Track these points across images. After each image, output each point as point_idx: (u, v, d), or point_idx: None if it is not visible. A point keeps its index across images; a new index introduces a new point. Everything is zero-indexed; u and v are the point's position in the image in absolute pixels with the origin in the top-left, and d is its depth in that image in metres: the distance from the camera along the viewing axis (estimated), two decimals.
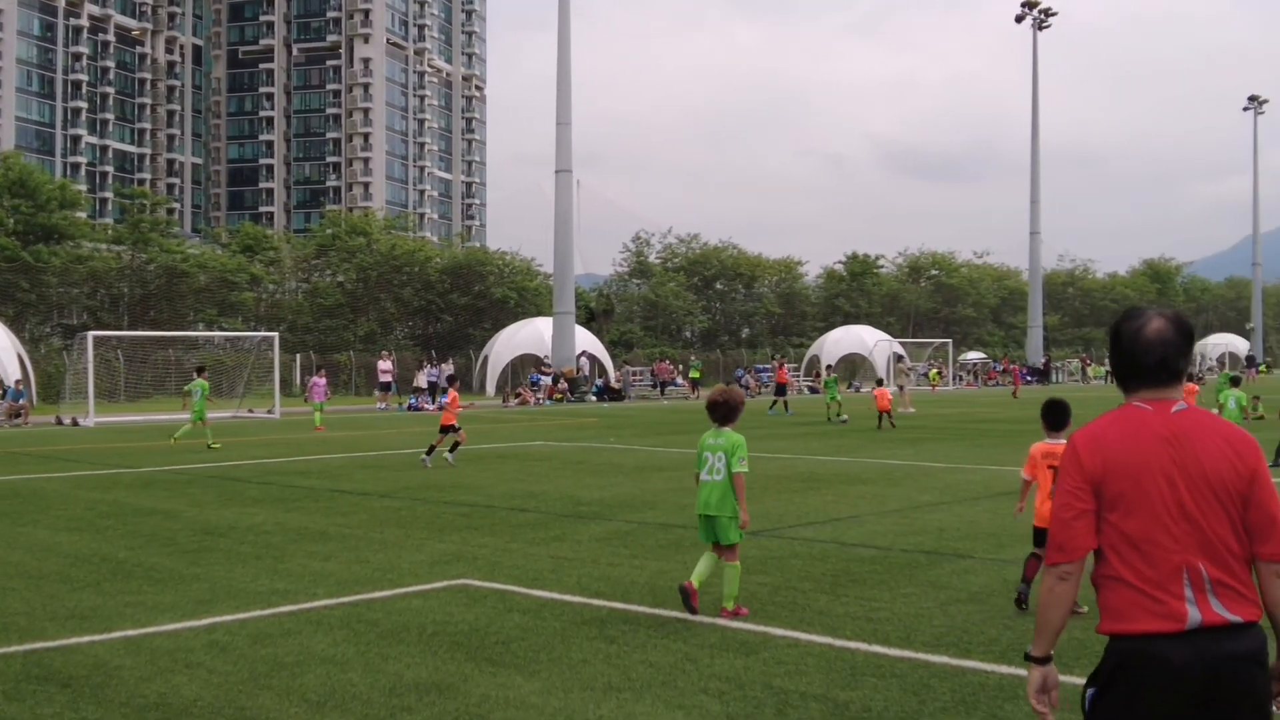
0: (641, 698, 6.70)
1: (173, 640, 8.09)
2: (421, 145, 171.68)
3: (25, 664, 7.47)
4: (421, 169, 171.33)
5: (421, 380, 50.99)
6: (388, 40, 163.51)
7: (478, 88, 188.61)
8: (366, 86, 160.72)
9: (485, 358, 61.71)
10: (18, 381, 39.38)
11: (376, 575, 10.45)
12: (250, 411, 41.43)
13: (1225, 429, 3.56)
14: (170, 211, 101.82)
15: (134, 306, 64.71)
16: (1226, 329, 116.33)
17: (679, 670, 7.23)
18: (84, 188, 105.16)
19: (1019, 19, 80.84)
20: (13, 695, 6.79)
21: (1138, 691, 3.41)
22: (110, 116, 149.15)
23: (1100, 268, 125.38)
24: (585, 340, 60.88)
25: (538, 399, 51.56)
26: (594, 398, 54.90)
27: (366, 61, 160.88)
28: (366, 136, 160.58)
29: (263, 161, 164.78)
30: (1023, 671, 7.12)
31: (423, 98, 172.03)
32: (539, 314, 67.20)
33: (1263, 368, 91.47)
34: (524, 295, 74.45)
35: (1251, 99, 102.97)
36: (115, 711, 6.51)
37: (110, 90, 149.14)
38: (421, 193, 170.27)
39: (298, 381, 54.44)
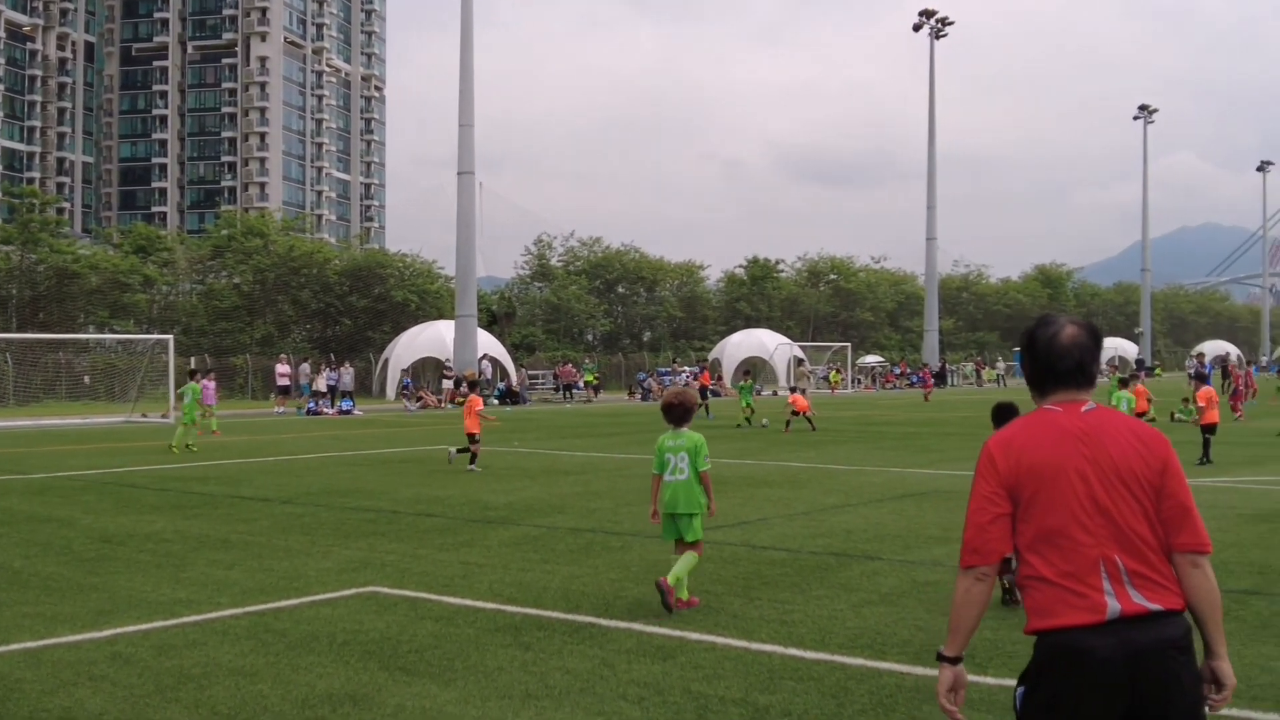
0: (560, 705, 6.63)
1: (74, 652, 7.85)
2: (319, 145, 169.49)
3: None
4: (319, 169, 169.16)
5: (320, 384, 50.26)
6: (285, 39, 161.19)
7: (377, 88, 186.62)
8: (263, 85, 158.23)
9: (386, 361, 61.06)
10: None
11: (282, 583, 10.24)
12: (144, 416, 40.50)
13: (1133, 425, 3.66)
14: (60, 211, 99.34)
15: (23, 308, 62.99)
16: (1116, 333, 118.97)
17: (597, 677, 7.17)
18: None
19: (916, 28, 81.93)
20: None
21: (1065, 684, 3.45)
22: None
23: (994, 273, 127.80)
24: (487, 343, 60.51)
25: (439, 401, 51.15)
26: (496, 401, 54.58)
27: (263, 60, 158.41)
28: (263, 136, 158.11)
29: (156, 160, 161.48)
30: (938, 672, 7.20)
31: (321, 97, 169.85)
32: (440, 317, 66.63)
33: (1158, 371, 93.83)
34: (425, 298, 73.75)
35: (1141, 108, 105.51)
36: None
37: None
38: (319, 193, 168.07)
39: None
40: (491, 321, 74.41)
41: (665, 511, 9.35)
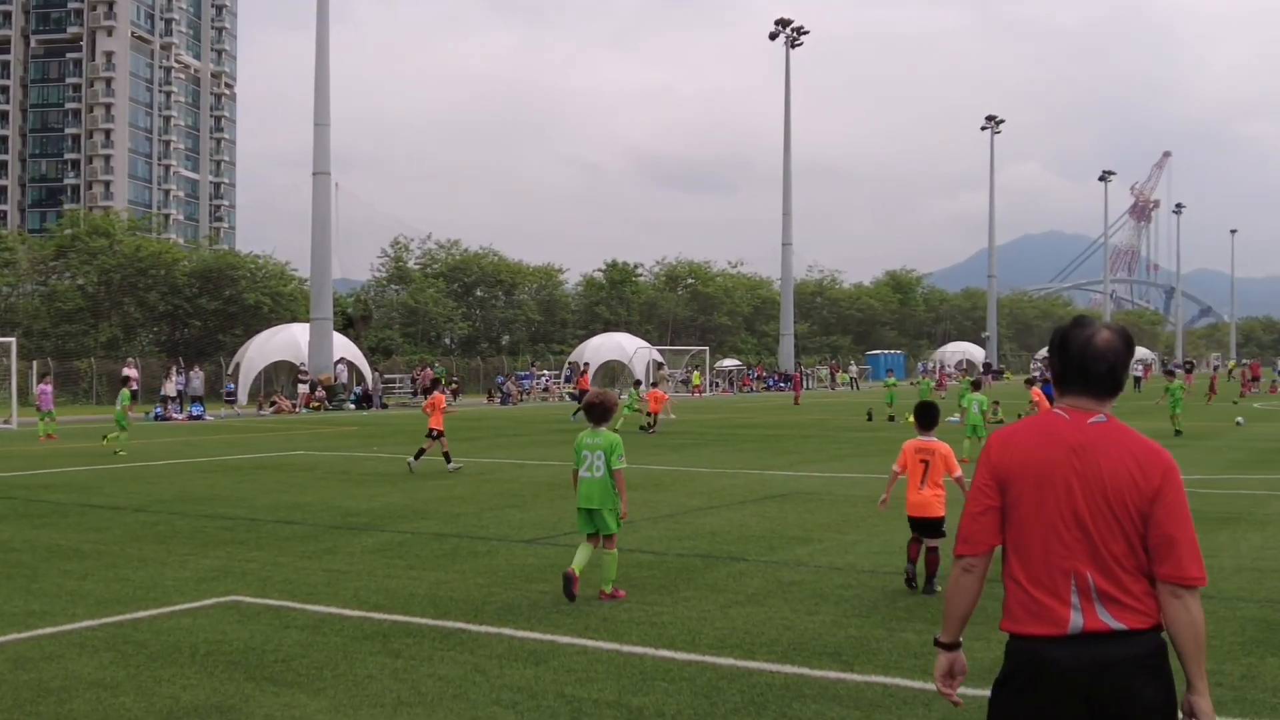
0: (433, 712, 6.59)
1: None
2: (167, 143, 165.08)
3: None
4: (167, 168, 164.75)
5: (170, 388, 48.99)
6: (132, 34, 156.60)
7: (227, 85, 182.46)
8: (109, 81, 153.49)
9: (237, 365, 59.73)
10: None
11: (139, 594, 9.97)
12: None
13: (1137, 445, 3.58)
14: None
15: None
16: (963, 338, 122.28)
17: (469, 682, 7.14)
18: None
19: (773, 36, 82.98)
20: None
21: (1028, 691, 3.51)
22: None
23: (847, 278, 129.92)
24: (343, 347, 59.65)
25: (293, 405, 50.28)
26: (353, 405, 53.87)
27: (109, 55, 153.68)
28: (108, 133, 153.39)
29: None
30: (807, 670, 7.36)
31: (169, 94, 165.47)
32: (294, 320, 65.46)
33: (1009, 375, 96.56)
34: (278, 300, 72.33)
35: (989, 119, 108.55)
36: None
37: None
38: (167, 192, 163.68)
39: (34, 390, 51.54)
40: (347, 324, 73.31)
41: (581, 506, 9.88)
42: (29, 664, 7.60)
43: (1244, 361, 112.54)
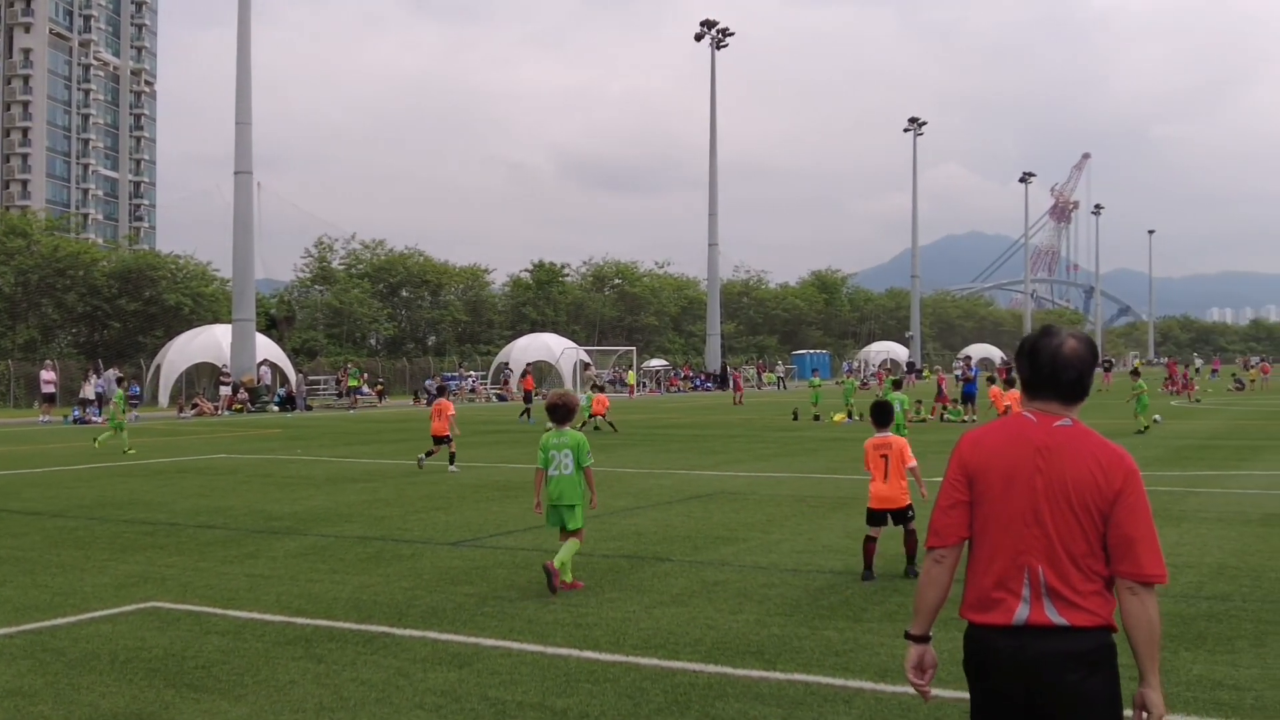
0: (356, 717, 6.56)
1: None
2: (86, 142, 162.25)
3: None
4: (86, 167, 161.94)
5: (89, 391, 48.18)
6: (50, 30, 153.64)
7: (148, 83, 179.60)
8: (26, 79, 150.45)
9: (158, 367, 58.90)
10: None
11: (57, 600, 9.82)
12: None
13: (1100, 448, 3.72)
14: None
15: None
16: (887, 337, 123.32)
17: (392, 686, 7.11)
18: None
19: (698, 37, 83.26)
20: None
21: (979, 674, 3.74)
22: None
23: (773, 278, 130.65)
24: (266, 348, 59.02)
25: (215, 408, 49.66)
26: (276, 407, 53.32)
27: (27, 52, 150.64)
28: (25, 131, 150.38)
29: None
30: (730, 669, 7.42)
31: (88, 92, 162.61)
32: (216, 321, 64.67)
33: (926, 374, 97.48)
34: (199, 301, 71.39)
35: (912, 120, 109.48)
36: None
37: None
38: (85, 192, 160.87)
39: None
40: (270, 325, 72.60)
41: (551, 503, 10.22)
42: None
43: (1160, 360, 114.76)
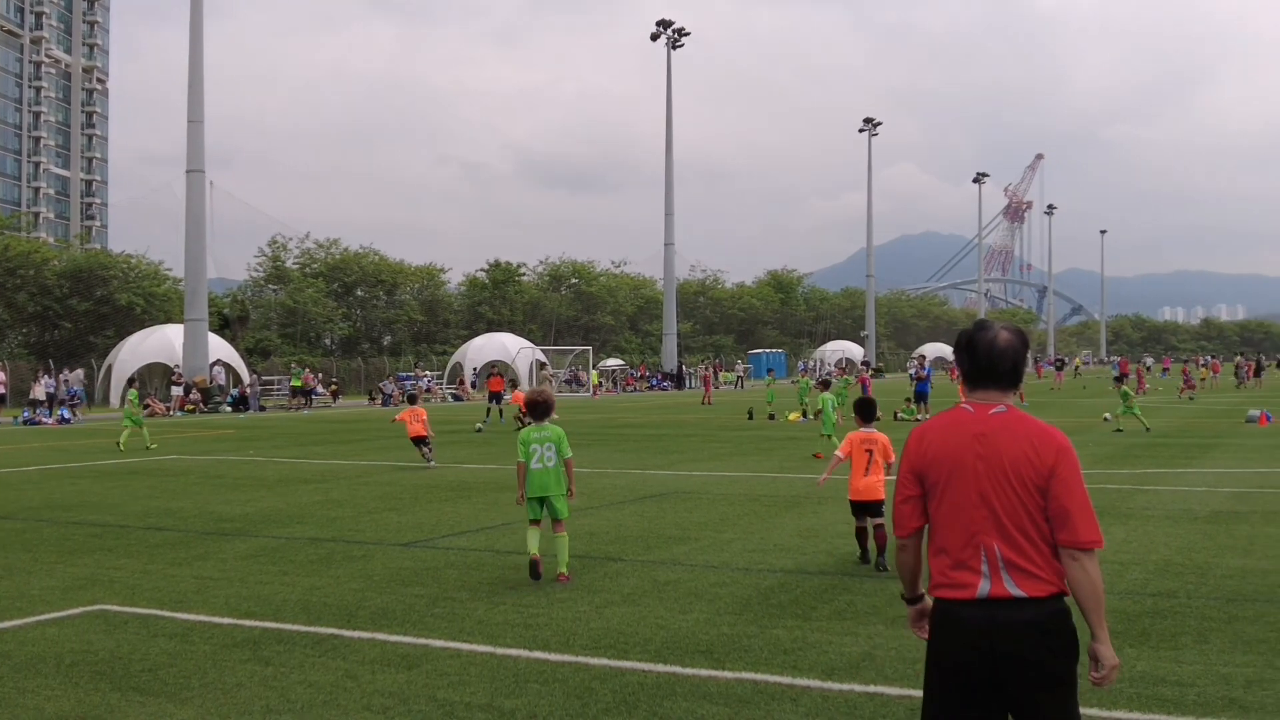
0: (303, 719, 6.54)
1: None
2: (37, 140, 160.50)
3: None
4: (37, 165, 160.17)
5: (39, 392, 47.68)
6: (1, 27, 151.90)
7: (100, 80, 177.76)
8: None
9: (109, 367, 58.34)
10: None
11: (4, 604, 9.73)
12: None
13: (1033, 429, 4.06)
14: None
15: None
16: (843, 336, 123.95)
17: (340, 689, 7.09)
18: None
19: (654, 37, 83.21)
20: None
21: (945, 644, 4.07)
22: None
23: (729, 278, 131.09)
24: (219, 348, 58.58)
25: (167, 409, 49.22)
26: (229, 408, 52.93)
27: None
28: None
29: None
30: (678, 669, 7.46)
31: (39, 89, 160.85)
32: (168, 321, 64.16)
33: (877, 367, 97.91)
34: (152, 301, 70.80)
35: (866, 121, 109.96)
36: None
37: None
38: (36, 190, 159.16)
39: None
40: (223, 325, 72.07)
41: (534, 495, 10.56)
42: None
43: (1114, 359, 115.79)
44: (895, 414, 38.58)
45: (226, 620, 9.03)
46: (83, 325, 70.10)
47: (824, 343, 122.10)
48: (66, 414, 44.61)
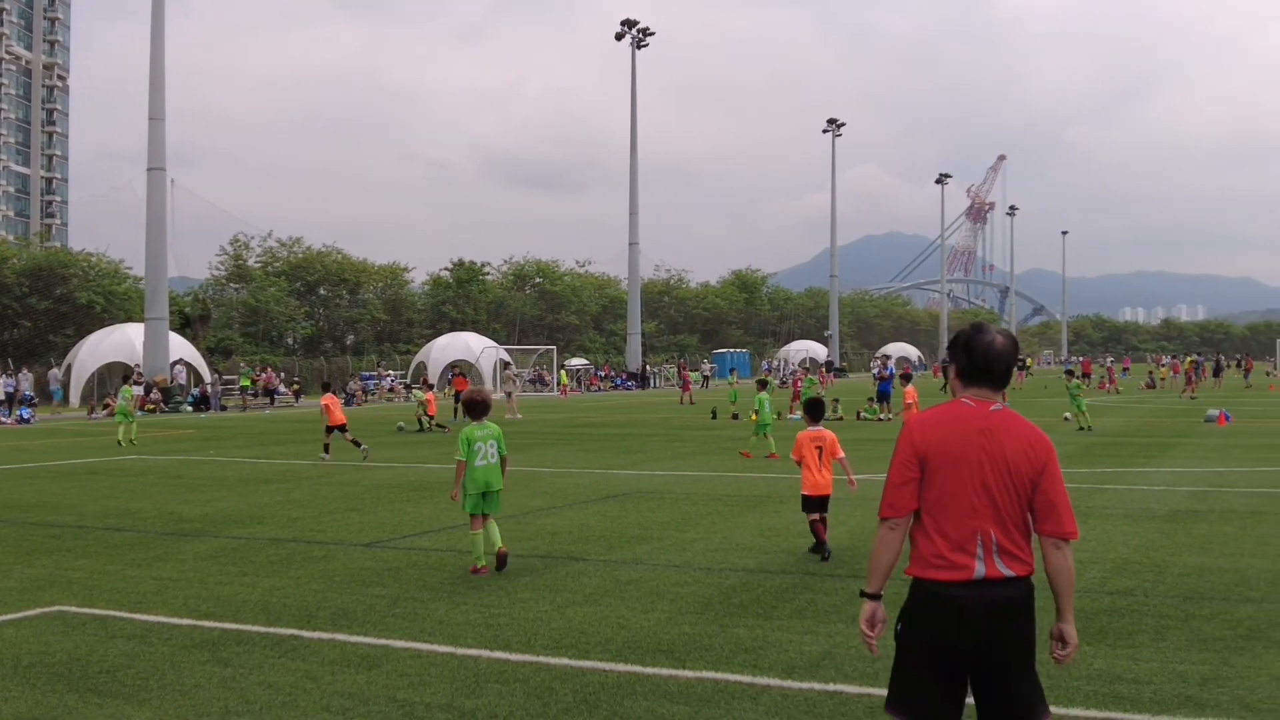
0: None
1: None
2: None
3: None
4: None
5: None
6: None
7: (60, 77, 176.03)
8: None
9: (69, 366, 57.82)
10: None
11: None
12: None
13: (1027, 429, 4.44)
14: None
15: None
16: (807, 336, 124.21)
17: (299, 690, 7.06)
18: None
19: (619, 36, 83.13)
20: None
21: (934, 620, 4.31)
22: None
23: (694, 278, 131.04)
24: (180, 347, 58.15)
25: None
26: (190, 408, 52.56)
27: None
28: None
29: None
30: (639, 668, 7.46)
31: None
32: (129, 319, 63.62)
33: (840, 367, 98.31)
34: (112, 300, 70.19)
35: (830, 121, 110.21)
36: None
37: None
38: None
39: None
40: (185, 324, 71.51)
41: (477, 491, 10.89)
42: None
43: (1076, 359, 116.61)
44: (858, 414, 38.75)
45: (185, 621, 8.97)
46: (42, 324, 69.46)
47: (788, 342, 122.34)
48: (27, 414, 44.14)
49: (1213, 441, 26.69)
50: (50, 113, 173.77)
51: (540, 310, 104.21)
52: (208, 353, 67.44)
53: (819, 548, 11.58)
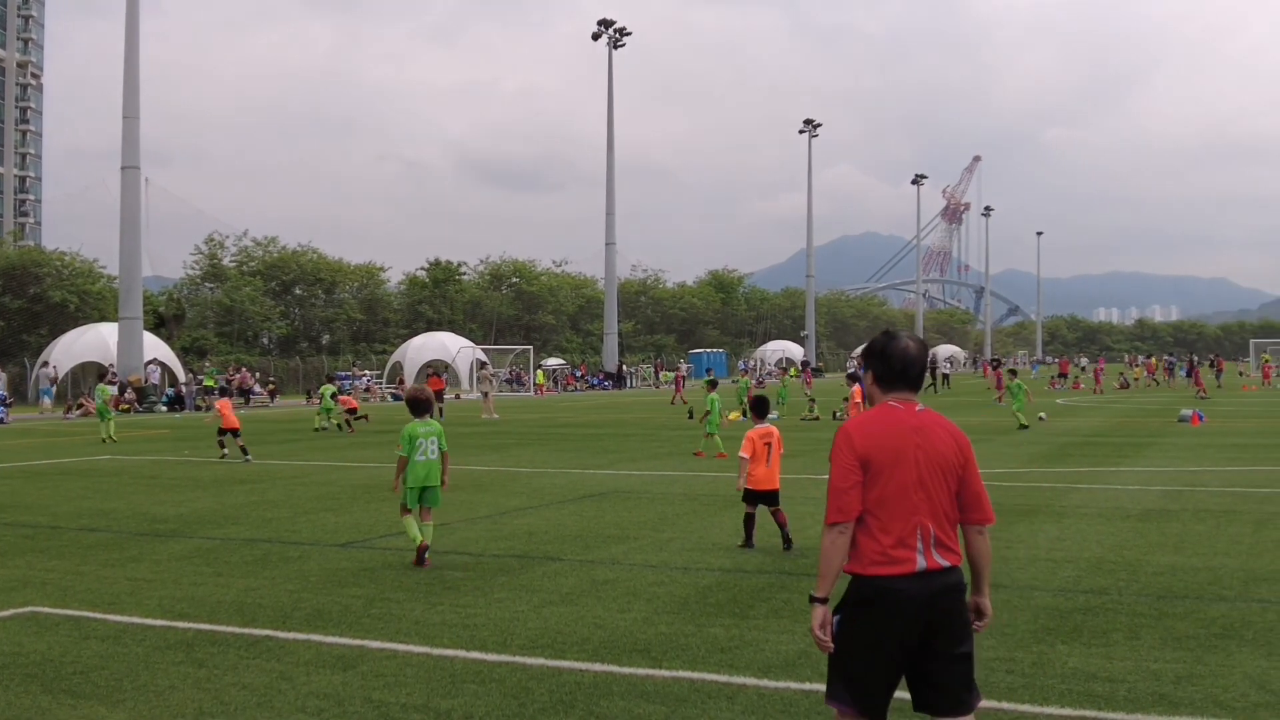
0: None
1: None
2: None
3: None
4: None
5: None
6: None
7: (34, 75, 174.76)
8: None
9: (43, 365, 57.43)
10: None
11: None
12: None
13: (951, 427, 4.75)
14: None
15: None
16: (783, 336, 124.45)
17: (274, 690, 7.03)
18: None
19: (595, 36, 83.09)
20: None
21: (881, 614, 4.48)
22: None
23: (670, 278, 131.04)
24: (155, 347, 57.85)
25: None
26: (165, 408, 52.30)
27: None
28: None
29: None
30: (615, 668, 7.46)
31: None
32: (103, 319, 63.25)
33: (816, 367, 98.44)
34: (86, 299, 69.74)
35: (806, 122, 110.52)
36: None
37: None
38: None
39: None
40: (159, 324, 71.16)
41: (417, 485, 11.38)
42: None
43: (1051, 359, 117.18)
44: (834, 413, 38.83)
45: (160, 622, 8.93)
46: (15, 323, 68.97)
47: (764, 342, 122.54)
48: (0, 413, 43.88)
49: (1186, 441, 26.86)
50: (24, 111, 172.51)
51: (517, 310, 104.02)
52: (182, 352, 67.12)
53: (749, 541, 12.17)
